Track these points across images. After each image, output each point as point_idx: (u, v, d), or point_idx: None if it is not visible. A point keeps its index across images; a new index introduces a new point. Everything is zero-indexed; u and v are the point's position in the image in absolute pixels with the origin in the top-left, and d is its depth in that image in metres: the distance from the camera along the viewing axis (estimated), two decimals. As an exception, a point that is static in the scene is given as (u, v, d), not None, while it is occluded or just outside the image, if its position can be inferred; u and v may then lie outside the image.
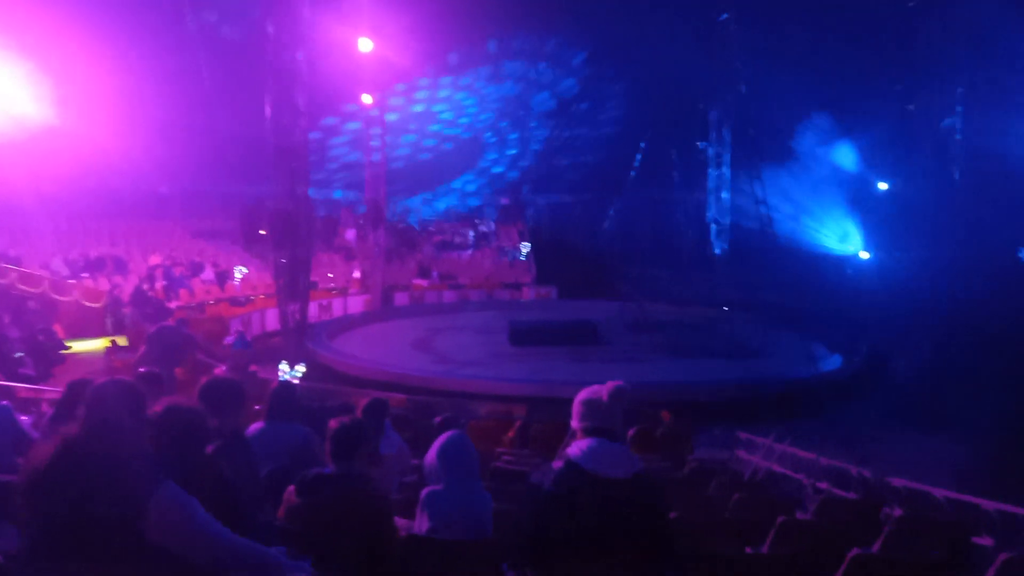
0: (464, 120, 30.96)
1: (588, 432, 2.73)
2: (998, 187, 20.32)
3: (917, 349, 13.53)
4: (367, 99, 21.48)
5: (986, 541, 4.23)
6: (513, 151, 33.24)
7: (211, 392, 3.36)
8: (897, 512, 4.74)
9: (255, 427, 4.25)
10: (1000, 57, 21.92)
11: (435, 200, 33.64)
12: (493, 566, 3.25)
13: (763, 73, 23.80)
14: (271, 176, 12.30)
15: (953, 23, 23.02)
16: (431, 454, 3.50)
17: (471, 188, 34.19)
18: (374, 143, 22.42)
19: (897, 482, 5.52)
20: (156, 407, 2.50)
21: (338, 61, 20.53)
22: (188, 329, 9.49)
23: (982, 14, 21.26)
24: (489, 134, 32.18)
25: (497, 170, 33.89)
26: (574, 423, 2.82)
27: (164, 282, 19.72)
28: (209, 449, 2.67)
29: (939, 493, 4.98)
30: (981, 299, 16.40)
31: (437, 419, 6.20)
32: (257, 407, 5.71)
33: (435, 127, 30.81)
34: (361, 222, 25.27)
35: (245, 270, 22.77)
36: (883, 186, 26.48)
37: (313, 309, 18.66)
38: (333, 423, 3.28)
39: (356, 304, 22.94)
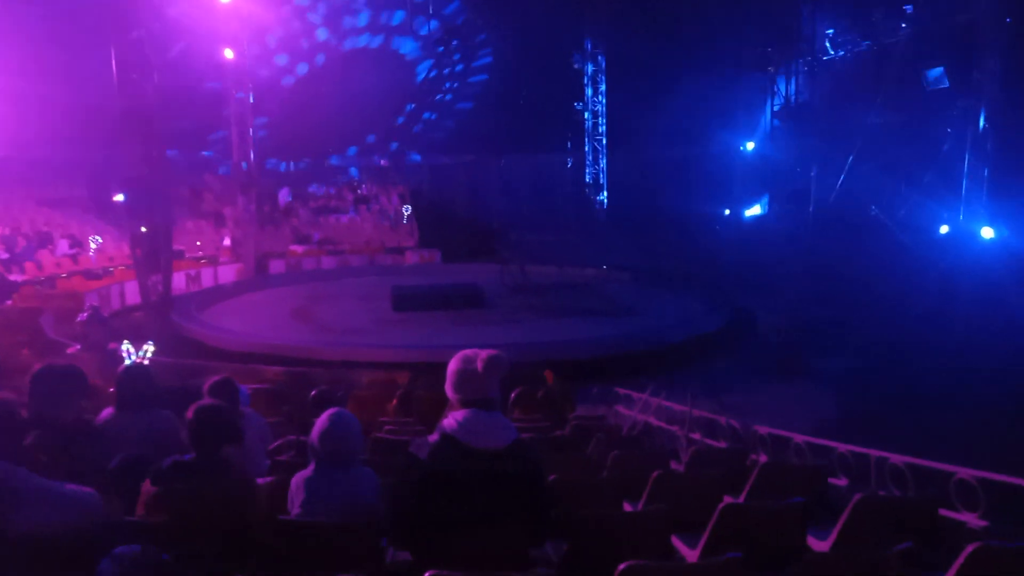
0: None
1: (463, 403, 2.66)
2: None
3: (781, 305, 14.44)
4: (229, 54, 20.14)
5: (841, 481, 4.55)
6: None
7: (43, 380, 3.00)
8: (763, 458, 5.01)
9: (105, 413, 3.87)
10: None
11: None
12: (372, 543, 3.13)
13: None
14: (121, 139, 11.26)
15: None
16: (312, 435, 3.29)
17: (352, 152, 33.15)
18: (240, 95, 21.08)
19: (762, 430, 5.85)
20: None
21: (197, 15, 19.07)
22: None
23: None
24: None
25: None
26: (449, 392, 2.73)
27: (6, 255, 18.02)
28: (28, 439, 2.38)
29: (800, 438, 5.31)
30: (840, 255, 17.66)
31: (313, 392, 5.91)
32: (113, 389, 5.23)
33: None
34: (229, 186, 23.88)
35: (100, 240, 21.11)
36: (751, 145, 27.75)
37: (179, 280, 17.59)
38: (190, 410, 3.03)
39: (228, 273, 21.77)
